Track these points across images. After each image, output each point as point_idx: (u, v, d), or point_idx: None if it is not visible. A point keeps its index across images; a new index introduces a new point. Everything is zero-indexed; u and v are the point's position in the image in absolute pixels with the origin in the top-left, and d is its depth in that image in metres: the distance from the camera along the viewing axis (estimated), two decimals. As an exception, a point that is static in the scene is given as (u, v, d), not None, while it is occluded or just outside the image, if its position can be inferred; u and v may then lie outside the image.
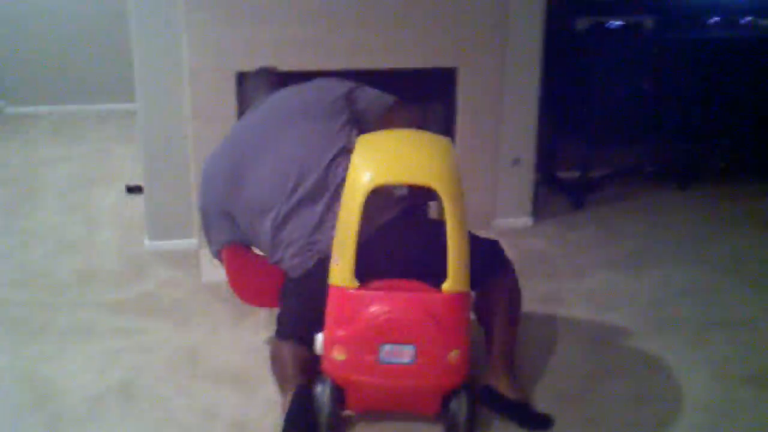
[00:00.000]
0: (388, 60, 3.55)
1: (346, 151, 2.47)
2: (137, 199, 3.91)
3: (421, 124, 2.64)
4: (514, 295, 2.57)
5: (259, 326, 2.98)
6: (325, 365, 2.30)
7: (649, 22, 4.15)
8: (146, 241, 3.61)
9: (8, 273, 3.38)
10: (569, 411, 2.48)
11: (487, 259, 2.53)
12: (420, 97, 3.77)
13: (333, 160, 2.48)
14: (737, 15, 4.47)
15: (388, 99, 2.69)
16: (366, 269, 2.24)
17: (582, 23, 4.07)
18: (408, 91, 3.65)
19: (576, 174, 4.27)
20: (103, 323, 2.98)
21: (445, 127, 3.75)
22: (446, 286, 2.23)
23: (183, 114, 3.43)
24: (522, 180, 3.84)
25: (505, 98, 3.71)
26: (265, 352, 2.71)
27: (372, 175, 2.22)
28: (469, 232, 2.34)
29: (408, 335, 2.20)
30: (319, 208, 2.44)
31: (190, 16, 3.28)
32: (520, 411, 2.41)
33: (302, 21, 3.41)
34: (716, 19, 4.43)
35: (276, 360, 2.48)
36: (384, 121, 2.62)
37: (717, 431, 2.44)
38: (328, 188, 2.44)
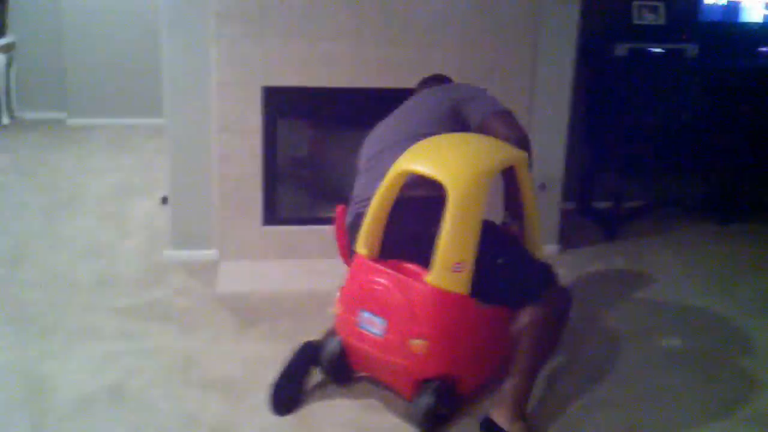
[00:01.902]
0: (417, 79, 3.53)
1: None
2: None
3: (520, 136, 2.61)
4: (546, 328, 2.43)
5: (261, 337, 2.98)
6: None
7: (691, 49, 4.03)
8: (168, 251, 3.66)
9: (30, 274, 3.47)
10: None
11: (528, 282, 2.49)
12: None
13: (407, 143, 2.56)
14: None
15: (492, 109, 2.69)
16: (392, 246, 2.49)
17: (621, 49, 3.98)
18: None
19: (610, 204, 4.16)
20: (110, 326, 3.03)
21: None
22: (428, 277, 2.33)
23: (209, 127, 3.48)
24: (548, 206, 3.76)
25: (534, 123, 3.64)
26: (262, 362, 2.76)
27: (402, 161, 2.44)
28: (521, 249, 2.57)
29: (382, 309, 2.41)
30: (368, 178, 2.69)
31: (221, 31, 3.34)
32: None
33: (331, 37, 3.43)
34: (764, 48, 4.29)
35: None
36: (483, 127, 2.64)
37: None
38: (387, 166, 2.51)
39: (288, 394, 2.56)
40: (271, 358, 2.80)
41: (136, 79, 6.26)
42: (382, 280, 2.44)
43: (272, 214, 3.61)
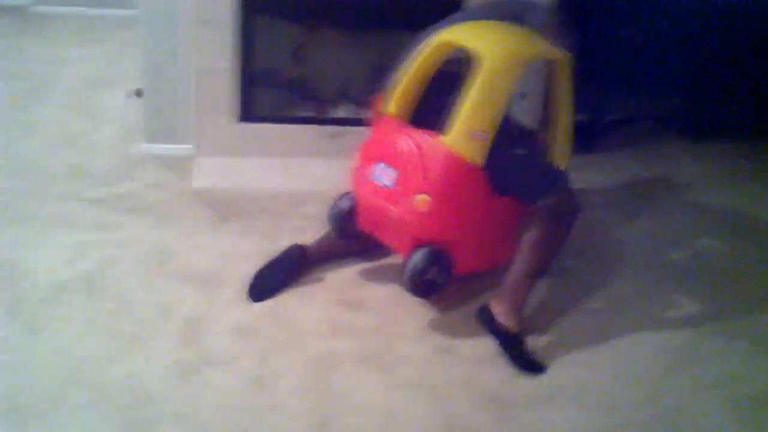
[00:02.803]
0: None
1: None
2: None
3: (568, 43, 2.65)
4: (551, 230, 2.48)
5: (237, 232, 2.98)
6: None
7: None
8: (143, 144, 3.60)
9: (1, 162, 3.41)
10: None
11: (540, 179, 2.55)
12: (426, 20, 3.69)
13: None
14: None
15: (545, 18, 2.71)
16: (427, 118, 2.52)
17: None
18: (415, 13, 3.61)
19: (587, 117, 4.16)
20: (84, 216, 3.00)
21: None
22: (445, 138, 2.38)
23: (185, 18, 3.38)
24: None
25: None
26: (238, 257, 2.77)
27: (442, 33, 2.57)
28: (541, 152, 2.62)
29: (395, 160, 2.48)
30: None
31: None
32: (508, 339, 2.41)
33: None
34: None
35: None
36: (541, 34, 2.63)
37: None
38: None
39: (267, 285, 2.63)
40: (247, 253, 2.82)
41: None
42: (402, 136, 2.51)
43: (248, 111, 3.55)
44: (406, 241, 2.51)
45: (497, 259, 2.63)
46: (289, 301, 2.59)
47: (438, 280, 2.48)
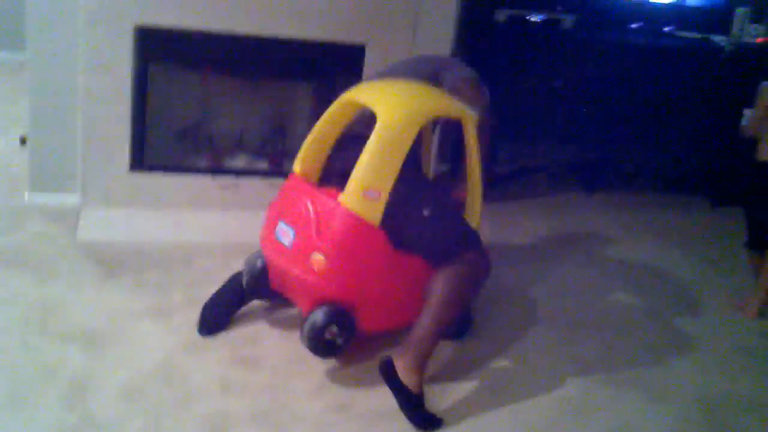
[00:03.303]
0: (294, 29, 3.45)
1: None
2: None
3: (483, 100, 2.75)
4: (459, 288, 2.44)
5: (126, 288, 2.87)
6: None
7: (569, 20, 4.12)
8: (27, 194, 3.45)
9: None
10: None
11: (449, 239, 2.52)
12: (326, 69, 3.71)
13: None
14: (660, 23, 4.49)
15: (462, 74, 2.79)
16: (335, 177, 2.52)
17: (502, 15, 4.03)
18: (315, 62, 3.62)
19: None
20: (-40, 272, 2.84)
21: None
22: (340, 197, 2.37)
23: (75, 64, 3.28)
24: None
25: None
26: (127, 314, 2.66)
27: (348, 91, 2.60)
28: (454, 209, 2.63)
29: (294, 220, 2.48)
30: None
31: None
32: (408, 398, 2.36)
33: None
34: (638, 24, 4.44)
35: None
36: (452, 91, 2.68)
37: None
38: None
39: (215, 317, 2.67)
40: (136, 310, 2.72)
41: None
42: (301, 194, 2.51)
43: (139, 160, 3.45)
44: (307, 300, 2.46)
45: (407, 318, 2.53)
46: (179, 359, 2.50)
47: (337, 340, 2.43)
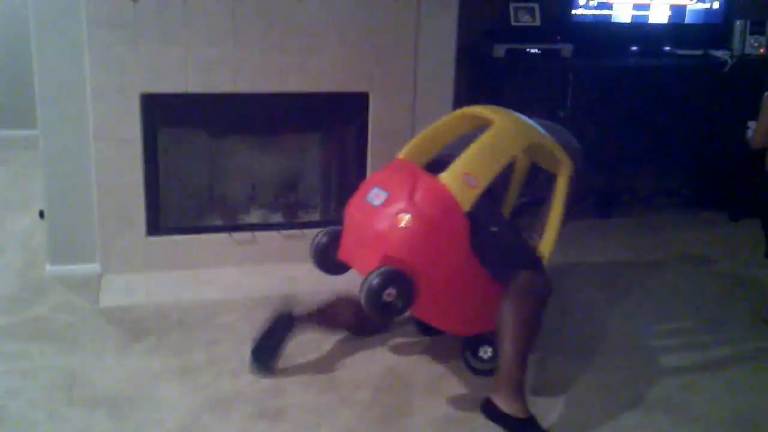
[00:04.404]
0: (298, 84, 3.52)
1: None
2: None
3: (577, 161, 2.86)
4: (527, 310, 2.51)
5: (148, 351, 2.90)
6: None
7: (566, 49, 4.16)
8: (47, 266, 3.51)
9: None
10: None
11: (513, 256, 2.67)
12: (332, 119, 3.76)
13: None
14: (659, 43, 4.51)
15: (566, 138, 2.98)
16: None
17: (499, 50, 4.07)
18: (320, 113, 3.67)
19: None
20: (-14, 347, 2.88)
21: (358, 150, 3.72)
22: (441, 174, 2.52)
23: (85, 136, 3.35)
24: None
25: (418, 123, 3.68)
26: (150, 376, 2.68)
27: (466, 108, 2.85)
28: (520, 237, 2.79)
29: (391, 185, 2.60)
30: None
31: (93, 33, 3.22)
32: (519, 425, 2.39)
33: (210, 41, 3.36)
34: (637, 47, 4.47)
35: None
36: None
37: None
38: None
39: (266, 356, 2.76)
40: (158, 372, 2.75)
41: (4, 88, 5.94)
42: (403, 168, 2.70)
43: (155, 224, 3.52)
44: (375, 258, 2.48)
45: (456, 324, 2.72)
46: (204, 417, 2.51)
47: (396, 303, 2.42)
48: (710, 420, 2.64)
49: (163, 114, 3.42)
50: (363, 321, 2.90)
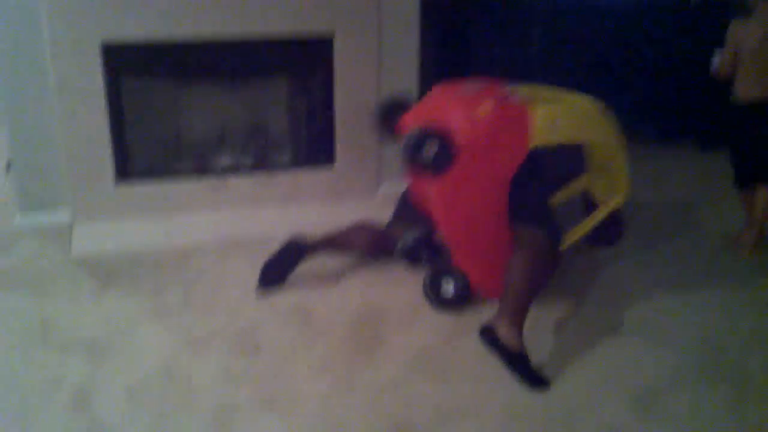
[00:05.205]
0: (259, 27, 3.47)
1: None
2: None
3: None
4: (534, 263, 2.60)
5: (121, 296, 2.91)
6: None
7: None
8: (18, 217, 3.48)
9: None
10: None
11: (533, 211, 2.74)
12: (298, 64, 3.72)
13: None
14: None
15: None
16: None
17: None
18: (286, 58, 3.64)
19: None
20: (-41, 297, 2.87)
21: (324, 99, 3.70)
22: (538, 106, 2.72)
23: (49, 88, 3.30)
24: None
25: (385, 62, 3.66)
26: (123, 320, 2.69)
27: None
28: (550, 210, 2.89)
29: (480, 87, 2.81)
30: None
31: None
32: (513, 357, 2.44)
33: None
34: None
35: None
36: None
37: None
38: None
39: (273, 278, 2.94)
40: (133, 315, 2.75)
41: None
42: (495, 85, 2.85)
43: (124, 172, 3.49)
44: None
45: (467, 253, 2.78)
46: (181, 358, 2.53)
47: (434, 157, 2.57)
48: (681, 341, 2.70)
49: (126, 63, 3.37)
50: (376, 245, 3.03)
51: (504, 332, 2.45)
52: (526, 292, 2.54)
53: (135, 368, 2.47)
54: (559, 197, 3.22)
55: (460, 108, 2.69)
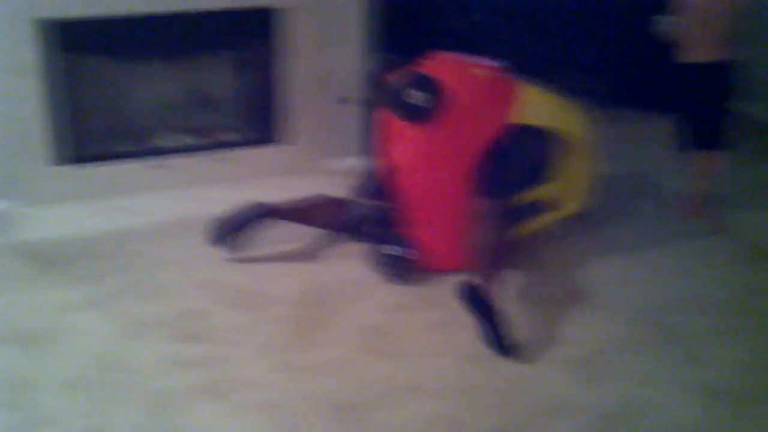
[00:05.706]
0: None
1: None
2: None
3: None
4: (495, 228, 2.65)
5: (56, 283, 2.83)
6: None
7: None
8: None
9: None
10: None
11: (500, 184, 2.76)
12: (242, 37, 3.64)
13: None
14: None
15: None
16: None
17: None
18: (228, 31, 3.56)
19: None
20: None
21: (271, 67, 3.63)
22: (529, 83, 2.90)
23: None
24: (350, 120, 3.72)
25: (330, 36, 3.60)
26: (60, 308, 2.63)
27: None
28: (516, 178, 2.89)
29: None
30: None
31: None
32: (482, 312, 2.42)
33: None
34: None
35: None
36: None
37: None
38: None
39: (226, 232, 2.88)
40: (70, 303, 2.68)
41: None
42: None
43: (62, 154, 3.38)
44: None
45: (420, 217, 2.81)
46: (120, 345, 2.47)
47: (423, 100, 2.64)
48: (627, 307, 2.71)
49: (63, 40, 3.25)
50: (339, 219, 3.00)
51: (479, 287, 2.44)
52: (494, 246, 2.59)
53: (73, 358, 2.40)
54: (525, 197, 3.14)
55: (454, 66, 2.82)
